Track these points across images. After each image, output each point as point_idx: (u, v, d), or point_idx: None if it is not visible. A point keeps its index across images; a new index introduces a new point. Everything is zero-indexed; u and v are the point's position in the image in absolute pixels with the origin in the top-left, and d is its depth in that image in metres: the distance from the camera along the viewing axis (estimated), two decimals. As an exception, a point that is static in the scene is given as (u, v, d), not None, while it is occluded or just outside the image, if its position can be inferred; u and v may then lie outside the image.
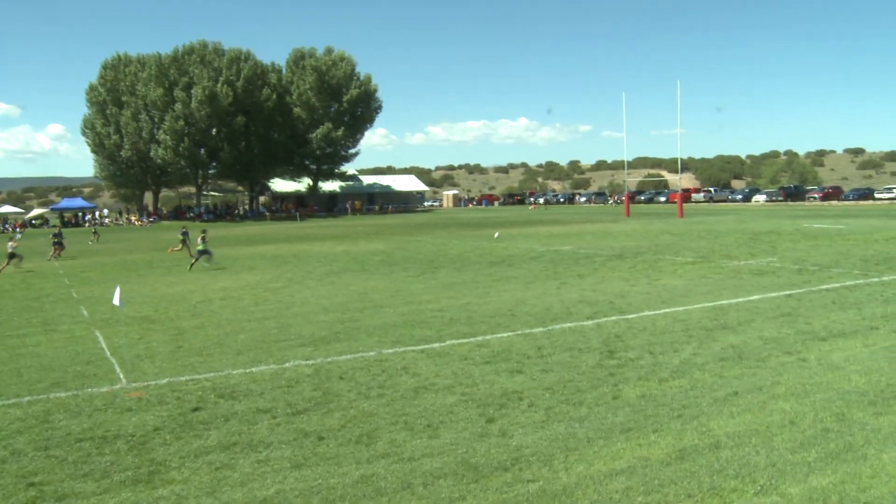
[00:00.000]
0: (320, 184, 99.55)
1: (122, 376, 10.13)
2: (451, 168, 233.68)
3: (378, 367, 10.09)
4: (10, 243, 27.87)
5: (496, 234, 34.03)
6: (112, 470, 6.71)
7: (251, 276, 22.85)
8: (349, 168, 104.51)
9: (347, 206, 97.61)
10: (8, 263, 27.08)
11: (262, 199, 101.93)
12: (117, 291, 11.08)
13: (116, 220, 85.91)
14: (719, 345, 10.72)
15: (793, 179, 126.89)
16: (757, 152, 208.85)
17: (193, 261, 26.25)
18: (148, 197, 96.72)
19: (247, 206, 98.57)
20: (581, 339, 11.41)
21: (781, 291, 15.57)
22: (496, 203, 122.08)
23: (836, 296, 14.77)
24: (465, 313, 14.19)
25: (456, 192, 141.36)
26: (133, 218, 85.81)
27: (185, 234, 33.56)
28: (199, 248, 26.29)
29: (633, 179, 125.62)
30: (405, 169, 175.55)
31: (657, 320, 12.78)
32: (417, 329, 12.77)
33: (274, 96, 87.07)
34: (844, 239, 28.78)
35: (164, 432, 7.70)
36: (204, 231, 28.08)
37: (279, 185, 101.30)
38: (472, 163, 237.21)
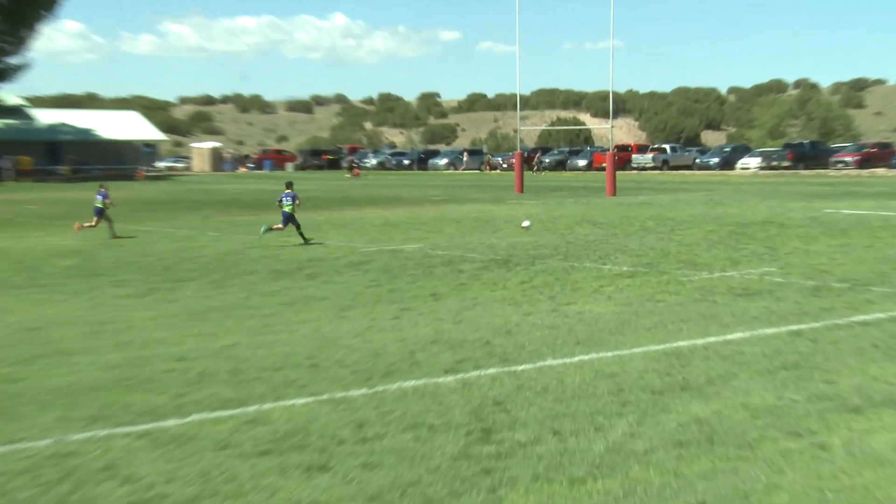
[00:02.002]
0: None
1: None
2: (209, 101, 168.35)
3: (58, 469, 7.06)
4: None
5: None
6: None
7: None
8: (9, 95, 75.12)
9: (6, 165, 70.26)
10: None
11: None
12: None
13: None
14: (675, 419, 8.17)
15: (810, 130, 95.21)
16: (747, 84, 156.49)
17: (297, 229, 23.22)
18: None
19: None
20: (435, 409, 8.58)
21: (784, 326, 12.83)
22: (290, 165, 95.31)
23: (881, 334, 12.13)
24: (227, 363, 10.78)
25: (217, 144, 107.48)
26: None
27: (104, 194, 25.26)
28: (286, 208, 23.11)
29: (531, 128, 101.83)
30: (121, 100, 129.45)
31: (567, 374, 9.99)
32: (137, 394, 9.38)
33: None
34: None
35: None
36: (288, 183, 24.52)
37: None
38: (246, 94, 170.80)
